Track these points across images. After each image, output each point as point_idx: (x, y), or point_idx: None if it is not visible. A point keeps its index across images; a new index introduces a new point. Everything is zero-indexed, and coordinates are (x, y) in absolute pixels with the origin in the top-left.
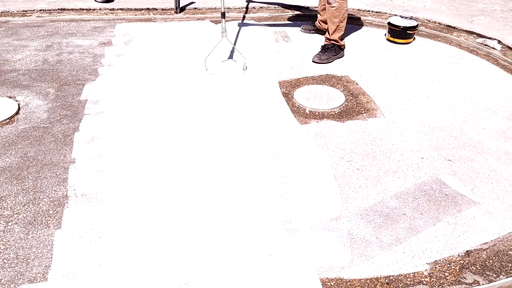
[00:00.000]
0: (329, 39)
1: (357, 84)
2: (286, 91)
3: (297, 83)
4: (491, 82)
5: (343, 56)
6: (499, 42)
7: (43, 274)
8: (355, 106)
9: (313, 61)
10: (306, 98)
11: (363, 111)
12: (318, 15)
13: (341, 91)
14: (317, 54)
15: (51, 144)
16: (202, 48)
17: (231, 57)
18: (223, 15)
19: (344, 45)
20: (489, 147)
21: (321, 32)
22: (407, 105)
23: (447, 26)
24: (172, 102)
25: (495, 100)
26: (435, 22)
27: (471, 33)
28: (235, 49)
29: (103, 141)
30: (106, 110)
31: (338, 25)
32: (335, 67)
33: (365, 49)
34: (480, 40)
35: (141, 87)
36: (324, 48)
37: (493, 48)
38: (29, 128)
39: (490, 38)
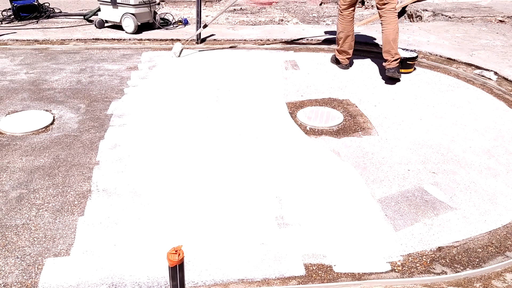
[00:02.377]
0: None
1: (356, 106)
2: (291, 111)
3: (301, 104)
4: (482, 108)
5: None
6: (496, 73)
7: (66, 250)
8: (352, 125)
9: (394, 76)
10: (308, 117)
11: (359, 130)
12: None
13: (340, 112)
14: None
15: (80, 149)
16: (217, 72)
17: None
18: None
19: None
20: (472, 163)
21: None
22: (401, 125)
23: (448, 58)
24: (186, 117)
25: (484, 123)
26: (436, 55)
27: (470, 65)
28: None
29: (124, 148)
30: (129, 122)
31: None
32: (337, 92)
33: (368, 77)
34: (478, 71)
35: (161, 104)
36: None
37: (489, 78)
38: (62, 136)
39: (487, 70)
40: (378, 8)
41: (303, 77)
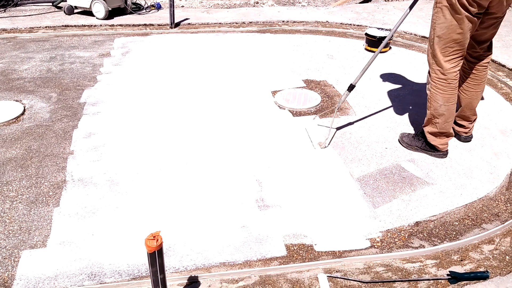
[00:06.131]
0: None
1: (333, 87)
2: (269, 94)
3: (279, 87)
4: None
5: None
6: None
7: (42, 242)
8: (330, 106)
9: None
10: (286, 100)
11: (337, 110)
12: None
13: (318, 93)
14: (406, 134)
15: (52, 139)
16: (193, 57)
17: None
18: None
19: (440, 147)
20: None
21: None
22: (378, 104)
23: (422, 36)
24: (162, 103)
25: None
26: (411, 34)
27: None
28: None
29: (99, 137)
30: (103, 111)
31: (429, 117)
32: (314, 73)
33: (345, 57)
34: None
35: (136, 91)
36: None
37: None
38: (33, 126)
39: None
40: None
41: (281, 59)
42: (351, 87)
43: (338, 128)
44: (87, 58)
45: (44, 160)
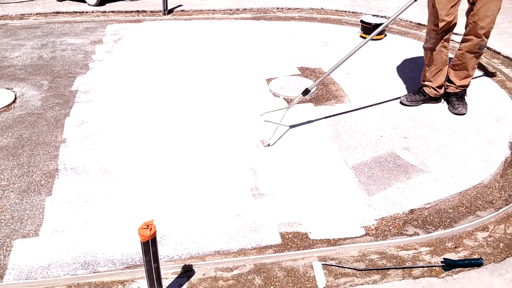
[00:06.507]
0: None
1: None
2: (264, 81)
3: (274, 74)
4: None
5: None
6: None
7: (35, 231)
8: (325, 94)
9: (460, 113)
10: (281, 87)
11: (332, 98)
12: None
13: (313, 81)
14: (459, 105)
15: (44, 127)
16: (187, 45)
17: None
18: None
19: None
20: (442, 126)
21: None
22: (373, 92)
23: (418, 24)
24: (155, 90)
25: None
26: (406, 21)
27: None
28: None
29: (91, 125)
30: (95, 98)
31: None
32: (309, 61)
33: (340, 45)
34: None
35: (128, 79)
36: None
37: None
38: (25, 114)
39: (456, 34)
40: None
41: (275, 47)
42: (305, 92)
43: (333, 116)
44: (79, 45)
45: (36, 149)
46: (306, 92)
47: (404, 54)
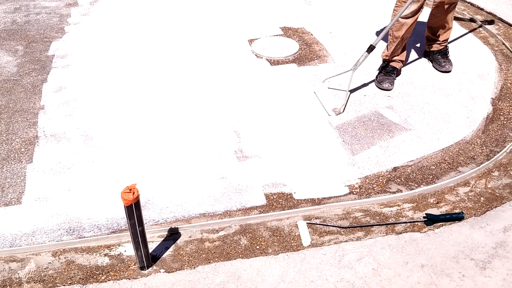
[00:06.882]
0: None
1: (311, 34)
2: (246, 42)
3: (256, 35)
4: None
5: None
6: None
7: (17, 199)
8: (308, 54)
9: (447, 70)
10: (263, 48)
11: (315, 58)
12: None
13: (296, 41)
14: (446, 62)
15: (21, 94)
16: (165, 5)
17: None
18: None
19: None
20: (426, 84)
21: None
22: (356, 51)
23: None
24: (135, 53)
25: None
26: None
27: None
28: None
29: (70, 90)
30: (73, 63)
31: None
32: (292, 20)
33: (322, 3)
34: None
35: (106, 43)
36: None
37: None
38: (0, 81)
39: None
40: None
41: (257, 6)
42: (370, 48)
43: (316, 77)
44: (53, 8)
45: (14, 116)
46: (371, 48)
47: (387, 12)
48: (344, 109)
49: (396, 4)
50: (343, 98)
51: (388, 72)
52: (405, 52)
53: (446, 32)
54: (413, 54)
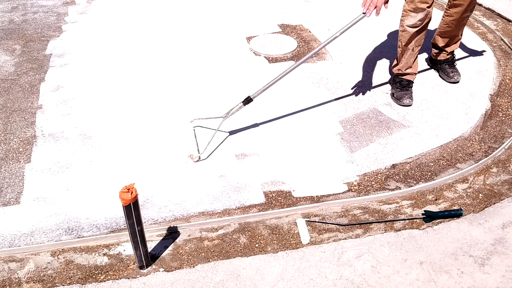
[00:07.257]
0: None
1: (310, 31)
2: (244, 39)
3: (254, 32)
4: (434, 27)
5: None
6: None
7: (16, 199)
8: (306, 51)
9: (456, 81)
10: (261, 46)
11: (313, 55)
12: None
13: (294, 38)
14: (454, 72)
15: (19, 93)
16: (164, 3)
17: None
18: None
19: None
20: (424, 80)
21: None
22: (355, 48)
23: None
24: (133, 52)
25: None
26: None
27: None
28: None
29: (68, 89)
30: (70, 62)
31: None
32: (290, 18)
33: (321, 0)
34: None
35: (103, 41)
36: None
37: None
38: None
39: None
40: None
41: (255, 3)
42: (247, 100)
43: (314, 74)
44: (51, 7)
45: (12, 116)
46: (247, 101)
47: (386, 10)
48: (206, 155)
49: (402, 14)
50: (208, 142)
51: (404, 86)
52: (417, 63)
53: (455, 44)
54: None
